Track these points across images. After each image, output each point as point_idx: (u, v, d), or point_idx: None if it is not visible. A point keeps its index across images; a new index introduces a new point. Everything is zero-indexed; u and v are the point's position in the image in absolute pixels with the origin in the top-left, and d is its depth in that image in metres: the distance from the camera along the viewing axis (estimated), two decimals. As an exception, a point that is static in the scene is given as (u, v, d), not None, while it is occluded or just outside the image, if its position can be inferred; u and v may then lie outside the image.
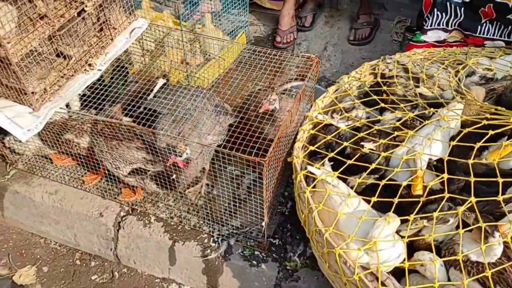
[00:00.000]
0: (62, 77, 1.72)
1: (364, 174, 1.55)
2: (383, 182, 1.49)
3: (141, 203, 1.98)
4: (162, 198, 1.99)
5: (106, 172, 1.96)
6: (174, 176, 1.71)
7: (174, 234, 1.88)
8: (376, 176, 1.64)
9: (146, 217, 1.94)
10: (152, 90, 1.94)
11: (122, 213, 1.97)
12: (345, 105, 1.91)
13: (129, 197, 1.98)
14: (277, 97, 1.80)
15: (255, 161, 1.44)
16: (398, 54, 2.11)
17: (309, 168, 1.58)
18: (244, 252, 1.82)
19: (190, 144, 1.68)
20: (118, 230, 1.95)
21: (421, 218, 1.38)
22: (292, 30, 2.81)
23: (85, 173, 2.08)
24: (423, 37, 2.20)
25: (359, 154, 1.62)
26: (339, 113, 1.89)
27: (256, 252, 1.81)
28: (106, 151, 1.84)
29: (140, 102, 1.84)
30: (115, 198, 2.00)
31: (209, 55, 2.41)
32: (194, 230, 1.89)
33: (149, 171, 1.84)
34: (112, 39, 1.87)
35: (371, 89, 1.92)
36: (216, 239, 1.85)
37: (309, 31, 2.90)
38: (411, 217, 1.37)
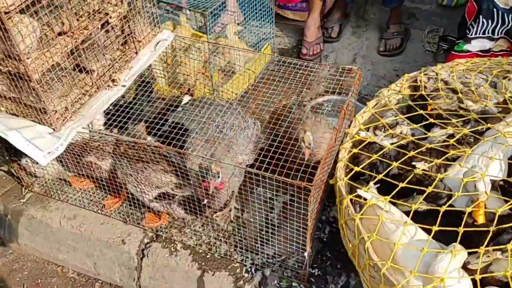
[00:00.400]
0: (84, 94, 1.59)
1: (421, 199, 1.39)
2: (444, 208, 1.32)
3: (167, 228, 1.83)
4: (189, 223, 1.84)
5: (129, 195, 1.82)
6: (205, 201, 1.56)
7: (203, 263, 1.73)
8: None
9: (172, 244, 1.79)
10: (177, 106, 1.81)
11: (146, 240, 1.82)
12: (388, 121, 1.76)
13: (153, 223, 1.84)
14: (312, 138, 1.61)
15: (300, 186, 1.29)
16: (439, 65, 1.96)
17: (359, 192, 1.42)
18: (281, 283, 1.66)
19: (222, 165, 1.54)
20: (141, 259, 1.80)
21: (494, 250, 1.22)
22: (319, 41, 2.68)
23: (105, 196, 1.94)
24: (466, 47, 2.05)
25: (412, 175, 1.46)
26: (382, 130, 1.74)
27: (294, 284, 1.65)
28: (130, 174, 1.70)
29: (167, 121, 1.70)
30: (138, 223, 1.85)
31: (235, 66, 2.28)
32: (225, 258, 1.73)
33: (176, 195, 1.70)
34: (136, 53, 1.75)
35: (415, 103, 1.77)
36: (249, 269, 1.69)
37: (336, 42, 2.77)
38: (482, 249, 1.21)
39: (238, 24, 2.50)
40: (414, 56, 2.63)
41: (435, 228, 1.28)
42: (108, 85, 1.65)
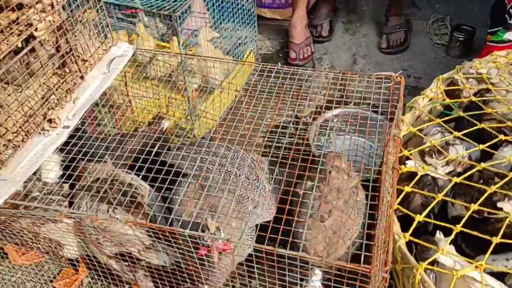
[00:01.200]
0: (5, 146, 1.05)
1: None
2: None
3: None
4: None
5: (91, 267, 1.29)
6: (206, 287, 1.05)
7: None
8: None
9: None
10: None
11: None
12: (436, 141, 1.32)
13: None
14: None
15: (356, 271, 0.82)
16: (476, 60, 1.55)
17: (439, 258, 0.96)
18: None
19: (225, 225, 1.05)
20: None
21: None
22: (308, 42, 2.23)
23: (58, 273, 1.41)
24: (507, 36, 1.64)
25: (505, 225, 1.01)
26: (433, 155, 1.29)
27: None
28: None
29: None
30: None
31: (213, 81, 1.79)
32: None
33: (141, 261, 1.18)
34: (82, 77, 1.22)
35: (468, 113, 1.34)
36: None
37: (328, 42, 2.33)
38: None
39: (210, 28, 2.01)
40: (422, 51, 2.22)
41: None
42: (43, 129, 1.12)
